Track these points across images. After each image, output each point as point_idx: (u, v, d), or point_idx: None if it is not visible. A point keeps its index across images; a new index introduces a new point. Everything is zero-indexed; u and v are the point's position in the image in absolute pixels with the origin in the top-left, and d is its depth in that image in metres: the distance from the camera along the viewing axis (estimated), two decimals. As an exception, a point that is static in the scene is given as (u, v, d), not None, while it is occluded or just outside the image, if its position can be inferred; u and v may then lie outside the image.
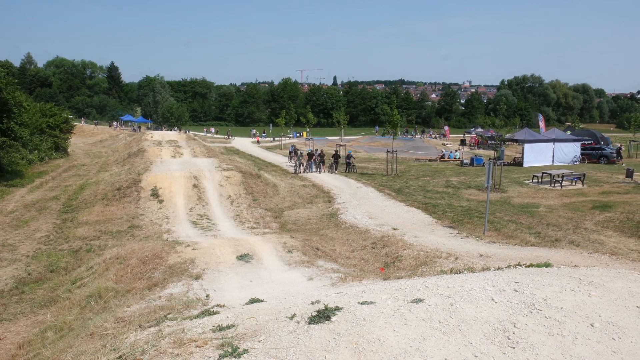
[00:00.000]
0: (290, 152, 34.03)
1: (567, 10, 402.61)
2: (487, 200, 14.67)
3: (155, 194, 19.38)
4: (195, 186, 20.53)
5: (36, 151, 30.75)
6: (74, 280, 11.03)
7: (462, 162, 33.70)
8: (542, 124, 43.79)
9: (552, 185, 21.38)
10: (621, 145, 37.78)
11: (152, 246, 11.43)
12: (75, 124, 42.88)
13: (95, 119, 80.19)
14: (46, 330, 7.99)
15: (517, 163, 32.59)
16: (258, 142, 54.21)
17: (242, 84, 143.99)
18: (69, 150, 36.83)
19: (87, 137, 54.55)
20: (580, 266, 7.11)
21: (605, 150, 34.86)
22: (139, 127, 67.47)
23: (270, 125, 65.01)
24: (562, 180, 21.46)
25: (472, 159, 33.31)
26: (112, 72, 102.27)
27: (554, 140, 32.76)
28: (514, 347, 3.88)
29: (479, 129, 59.62)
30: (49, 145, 33.21)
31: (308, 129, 53.53)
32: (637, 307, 4.70)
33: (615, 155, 33.73)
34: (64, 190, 22.26)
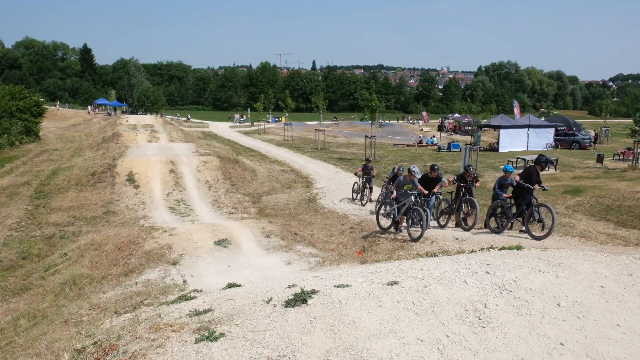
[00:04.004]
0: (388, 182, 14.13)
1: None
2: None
3: (131, 179, 19.06)
4: (172, 171, 20.26)
5: (6, 135, 29.74)
6: (47, 267, 10.83)
7: (439, 148, 34.12)
8: (517, 110, 44.57)
9: (526, 170, 21.87)
10: (596, 132, 38.78)
11: (128, 232, 11.28)
12: (47, 107, 41.51)
13: (76, 102, 77.98)
14: (19, 318, 7.85)
15: (493, 148, 33.18)
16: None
17: (220, 68, 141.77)
18: (40, 134, 35.75)
19: (59, 121, 53.00)
20: (549, 249, 7.35)
21: (577, 136, 35.80)
22: (114, 110, 65.96)
23: (249, 109, 64.35)
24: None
25: (449, 145, 33.75)
26: (85, 54, 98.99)
27: (528, 126, 33.44)
28: (484, 327, 4.00)
29: (457, 115, 60.30)
30: (19, 129, 32.15)
31: (286, 114, 53.23)
32: (602, 287, 4.90)
33: (588, 141, 34.69)
34: (35, 175, 21.66)
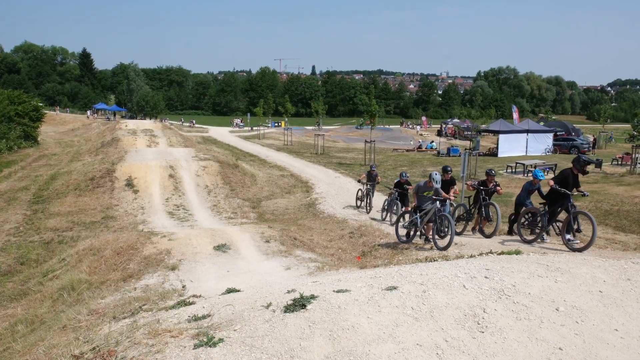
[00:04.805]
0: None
1: (542, 4, 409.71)
2: (463, 190, 14.94)
3: (130, 184, 19.04)
4: (171, 176, 20.26)
5: (4, 140, 29.76)
6: (45, 272, 10.80)
7: (438, 153, 34.17)
8: (516, 115, 44.70)
9: (525, 175, 21.90)
10: (594, 137, 39.12)
11: (127, 237, 11.27)
12: (45, 112, 41.52)
13: (86, 108, 78.01)
14: (16, 324, 7.82)
15: (492, 153, 33.24)
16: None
17: (220, 73, 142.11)
18: (39, 139, 35.75)
19: (58, 125, 53.04)
20: (548, 253, 7.35)
21: (576, 141, 35.91)
22: (114, 115, 66.14)
23: (248, 114, 64.52)
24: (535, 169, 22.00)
25: (448, 149, 33.79)
26: (84, 59, 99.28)
27: (527, 131, 33.54)
28: (483, 332, 4.00)
29: (456, 120, 60.43)
30: (18, 133, 32.17)
31: (286, 119, 53.41)
32: (600, 291, 4.91)
33: (586, 146, 34.83)
34: (34, 180, 21.64)
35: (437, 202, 9.14)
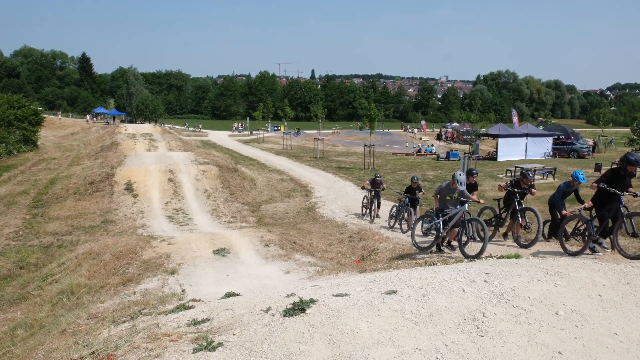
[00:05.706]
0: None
1: (541, 8, 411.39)
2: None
3: (129, 188, 19.05)
4: (170, 180, 20.27)
5: (3, 144, 29.78)
6: (44, 276, 10.79)
7: (438, 156, 34.21)
8: (515, 119, 44.81)
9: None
10: (594, 141, 39.32)
11: (126, 241, 11.26)
12: (45, 116, 41.51)
13: (88, 112, 78.25)
14: (16, 328, 7.80)
15: (492, 157, 33.28)
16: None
17: (219, 77, 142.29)
18: (38, 143, 35.78)
19: (57, 129, 53.09)
20: (548, 257, 7.35)
21: (575, 145, 35.99)
22: (113, 119, 66.31)
23: (248, 118, 64.67)
24: (534, 174, 22.04)
25: (448, 153, 33.84)
26: (84, 63, 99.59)
27: (527, 135, 33.60)
28: (482, 336, 4.00)
29: (455, 124, 60.55)
30: (17, 138, 32.20)
31: (285, 123, 53.50)
32: (600, 295, 4.91)
33: (586, 150, 34.93)
34: (33, 184, 21.64)
35: (466, 204, 8.35)
